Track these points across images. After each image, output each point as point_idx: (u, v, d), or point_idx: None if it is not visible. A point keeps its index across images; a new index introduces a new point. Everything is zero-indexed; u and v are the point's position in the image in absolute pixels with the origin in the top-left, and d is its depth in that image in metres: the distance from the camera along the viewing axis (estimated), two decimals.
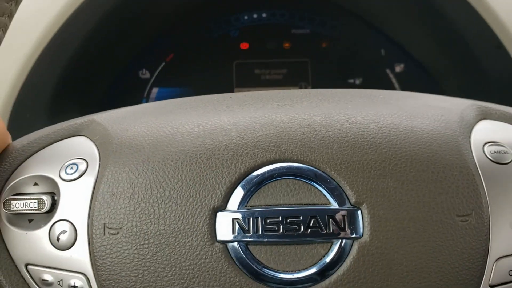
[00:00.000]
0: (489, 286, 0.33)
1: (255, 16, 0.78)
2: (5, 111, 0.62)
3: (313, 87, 0.77)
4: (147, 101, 0.77)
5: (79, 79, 0.69)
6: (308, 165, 0.32)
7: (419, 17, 0.69)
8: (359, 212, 0.32)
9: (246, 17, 0.78)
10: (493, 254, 0.33)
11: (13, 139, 0.62)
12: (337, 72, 0.77)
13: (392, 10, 0.71)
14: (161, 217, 0.32)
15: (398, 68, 0.76)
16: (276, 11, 0.78)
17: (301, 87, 0.77)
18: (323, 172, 0.32)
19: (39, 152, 0.37)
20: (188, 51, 0.77)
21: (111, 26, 0.68)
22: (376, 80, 0.76)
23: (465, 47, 0.65)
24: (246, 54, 0.77)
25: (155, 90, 0.77)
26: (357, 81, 0.77)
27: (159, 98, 0.77)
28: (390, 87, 0.76)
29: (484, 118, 0.38)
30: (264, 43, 0.78)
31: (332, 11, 0.77)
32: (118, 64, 0.74)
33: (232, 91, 0.77)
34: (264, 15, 0.78)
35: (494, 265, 0.33)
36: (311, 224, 0.31)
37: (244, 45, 0.78)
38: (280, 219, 0.31)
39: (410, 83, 0.75)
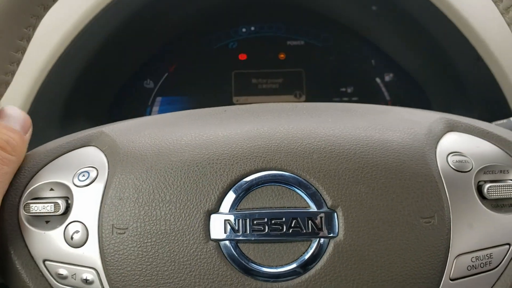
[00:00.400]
0: (450, 279, 0.35)
1: (252, 28, 0.79)
2: None
3: (307, 96, 0.78)
4: (151, 109, 0.78)
5: (88, 89, 0.70)
6: (291, 173, 0.35)
7: (405, 32, 0.70)
8: (335, 214, 0.34)
9: (244, 30, 0.79)
10: (453, 252, 0.35)
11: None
12: (330, 81, 0.79)
13: (380, 25, 0.73)
14: (162, 218, 0.34)
15: (387, 77, 0.78)
16: (272, 24, 0.80)
17: (295, 96, 0.78)
18: (304, 179, 0.35)
19: (54, 161, 0.39)
20: (189, 62, 0.79)
21: (118, 41, 0.70)
22: (366, 88, 0.78)
23: (447, 59, 0.67)
24: (244, 65, 0.79)
25: (159, 99, 0.78)
26: (349, 90, 0.78)
27: (162, 106, 0.78)
28: (380, 95, 0.77)
29: (451, 130, 0.40)
30: (261, 54, 0.79)
31: (325, 24, 0.78)
32: (124, 75, 0.76)
33: (231, 99, 0.78)
34: (261, 27, 0.80)
35: (454, 261, 0.35)
36: (292, 225, 0.34)
37: (242, 56, 0.79)
38: (266, 220, 0.34)
39: (399, 91, 0.77)
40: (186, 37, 0.79)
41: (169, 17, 0.74)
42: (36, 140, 0.65)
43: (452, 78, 0.69)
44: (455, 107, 0.69)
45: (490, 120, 0.51)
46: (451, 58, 0.67)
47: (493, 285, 0.36)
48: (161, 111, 0.79)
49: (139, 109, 0.78)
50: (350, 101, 0.78)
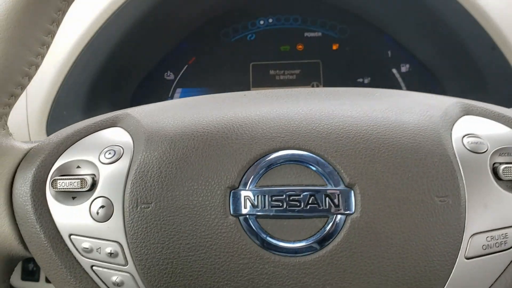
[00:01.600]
0: (465, 258, 0.35)
1: (270, 21, 0.80)
2: (45, 109, 0.66)
3: (324, 86, 0.78)
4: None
5: (110, 81, 0.72)
6: (309, 152, 0.36)
7: (420, 22, 0.70)
8: (352, 192, 0.35)
9: (262, 22, 0.80)
10: (468, 231, 0.35)
11: (50, 132, 0.67)
12: (347, 72, 0.79)
13: (396, 16, 0.73)
14: (184, 194, 0.35)
15: (403, 68, 0.78)
16: (289, 16, 0.80)
17: (313, 86, 0.79)
18: (321, 158, 0.35)
19: (81, 140, 0.41)
20: (208, 55, 0.80)
21: (140, 34, 0.71)
22: (383, 79, 0.78)
23: (463, 49, 0.67)
24: (261, 56, 0.80)
25: (178, 90, 0.79)
26: (366, 81, 0.79)
27: (182, 97, 0.79)
28: (396, 85, 0.78)
29: (467, 114, 0.41)
30: (278, 46, 0.80)
31: (342, 16, 0.79)
32: (145, 67, 0.77)
33: (249, 90, 0.79)
34: (278, 20, 0.80)
35: (470, 240, 0.35)
36: (310, 202, 0.35)
37: (260, 48, 0.80)
38: (284, 196, 0.35)
39: (415, 82, 0.77)
40: (204, 30, 0.80)
41: (189, 11, 0.75)
42: (60, 127, 0.67)
43: (468, 68, 0.69)
44: (472, 97, 0.68)
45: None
46: (466, 48, 0.66)
47: (509, 264, 0.37)
48: None
49: (160, 100, 0.78)
50: None
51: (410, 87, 0.78)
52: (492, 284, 0.37)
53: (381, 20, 0.77)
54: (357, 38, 0.80)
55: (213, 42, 0.80)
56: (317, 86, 0.79)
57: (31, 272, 0.65)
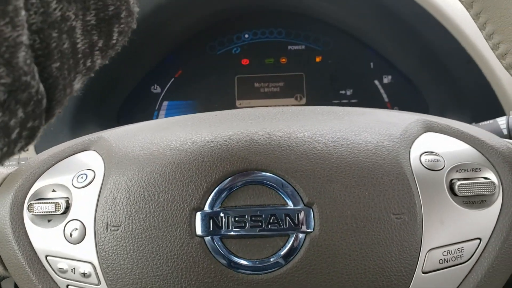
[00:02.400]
0: (423, 272, 0.36)
1: (254, 34, 0.81)
2: None
3: (307, 98, 0.80)
4: (158, 113, 0.81)
5: (97, 94, 0.73)
6: (270, 173, 0.37)
7: (400, 36, 0.71)
8: (311, 211, 0.36)
9: (246, 36, 0.81)
10: (425, 246, 0.36)
11: (38, 148, 0.69)
12: (329, 84, 0.80)
13: (376, 30, 0.74)
14: (151, 216, 0.36)
15: (386, 80, 0.79)
16: (273, 30, 0.81)
17: (296, 99, 0.80)
18: (282, 178, 0.37)
19: (57, 164, 0.42)
20: (194, 68, 0.81)
21: (126, 48, 0.72)
22: (365, 91, 0.79)
23: (440, 62, 0.68)
24: (246, 69, 0.81)
25: (165, 103, 0.81)
26: (348, 92, 0.80)
27: (169, 110, 0.81)
28: (379, 97, 0.79)
29: (428, 131, 0.42)
30: (263, 59, 0.81)
31: (325, 29, 0.80)
32: (132, 81, 0.78)
33: (234, 102, 0.80)
34: (262, 33, 0.82)
35: (427, 255, 0.36)
36: (271, 221, 0.36)
37: (245, 61, 0.81)
38: (246, 217, 0.36)
39: (397, 93, 0.78)
40: (190, 44, 0.81)
41: (175, 25, 0.76)
42: (48, 143, 0.68)
43: (447, 80, 0.70)
44: (450, 108, 0.70)
45: (483, 120, 0.52)
46: (444, 61, 0.68)
47: (465, 277, 0.38)
48: (167, 115, 0.81)
49: (147, 113, 0.81)
50: (349, 103, 0.80)
51: (392, 98, 0.79)
52: None
53: (363, 33, 0.78)
54: (340, 51, 0.81)
55: (199, 55, 0.82)
56: (300, 98, 0.80)
57: None
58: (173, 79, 0.81)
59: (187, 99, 0.81)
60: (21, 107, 0.22)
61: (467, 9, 0.39)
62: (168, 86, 0.81)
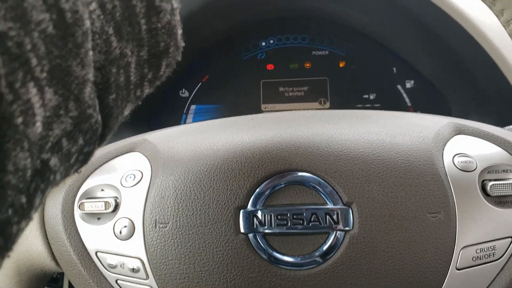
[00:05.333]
0: (457, 269, 0.38)
1: (279, 40, 0.83)
2: None
3: (331, 102, 0.81)
4: (186, 116, 0.82)
5: None
6: (310, 173, 0.39)
7: (422, 41, 0.72)
8: (350, 210, 0.37)
9: (271, 41, 0.83)
10: (459, 244, 0.38)
11: None
12: (353, 89, 0.81)
13: (399, 35, 0.75)
14: (198, 214, 0.38)
15: (408, 84, 0.80)
16: (298, 36, 0.83)
17: (320, 103, 0.81)
18: (322, 178, 0.38)
19: (104, 165, 0.44)
20: (221, 73, 0.83)
21: None
22: (388, 95, 0.80)
23: (464, 67, 0.69)
24: (271, 74, 0.82)
25: (193, 107, 0.82)
26: (371, 97, 0.81)
27: (196, 113, 0.82)
28: (401, 101, 0.79)
29: (459, 133, 0.43)
30: (287, 64, 0.83)
31: (348, 34, 0.81)
32: (161, 85, 0.81)
33: (259, 106, 0.82)
34: (287, 39, 0.83)
35: (460, 252, 0.38)
36: (312, 219, 0.37)
37: (270, 66, 0.83)
38: (288, 215, 0.38)
39: (420, 97, 0.79)
40: (217, 50, 0.82)
41: (202, 32, 0.78)
42: None
43: (470, 85, 0.70)
44: (473, 113, 0.71)
45: (506, 125, 0.53)
46: (467, 66, 0.68)
47: (497, 274, 0.39)
48: (195, 119, 0.82)
49: (175, 116, 0.82)
50: (372, 107, 0.81)
51: (414, 102, 0.80)
52: None
53: (386, 38, 0.79)
54: (363, 56, 0.82)
55: (225, 60, 0.83)
56: (324, 102, 0.82)
57: (54, 279, 0.68)
58: (200, 83, 0.83)
59: (214, 103, 0.83)
60: (82, 135, 0.23)
61: (489, 7, 0.40)
62: (195, 90, 0.83)
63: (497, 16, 0.40)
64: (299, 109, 0.81)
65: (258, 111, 0.82)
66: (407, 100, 0.80)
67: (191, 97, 0.83)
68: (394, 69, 0.81)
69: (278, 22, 0.82)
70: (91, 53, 0.23)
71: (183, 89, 0.83)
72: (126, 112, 0.29)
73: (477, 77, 0.68)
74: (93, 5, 0.24)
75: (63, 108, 0.21)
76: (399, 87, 0.81)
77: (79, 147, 0.24)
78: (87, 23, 0.22)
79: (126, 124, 0.75)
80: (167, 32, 0.29)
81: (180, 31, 0.31)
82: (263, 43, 0.84)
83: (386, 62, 0.81)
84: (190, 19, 0.72)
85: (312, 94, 0.82)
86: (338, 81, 0.82)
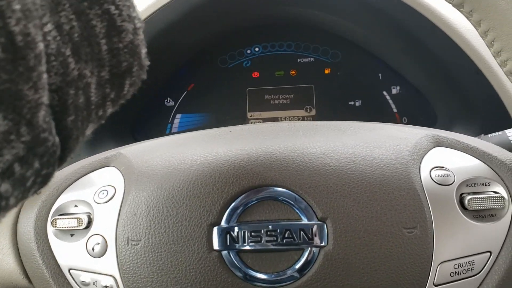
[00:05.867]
0: (434, 285, 0.37)
1: (265, 48, 0.83)
2: None
3: (317, 109, 0.81)
4: (171, 126, 0.82)
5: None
6: (284, 189, 0.38)
7: (408, 48, 0.72)
8: (325, 225, 0.37)
9: (257, 49, 0.83)
10: (436, 259, 0.37)
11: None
12: (339, 95, 0.81)
13: (384, 42, 0.75)
14: (170, 231, 0.38)
15: (394, 90, 0.80)
16: (283, 43, 0.82)
17: (306, 110, 0.81)
18: (296, 194, 0.38)
19: (78, 180, 0.43)
20: (206, 81, 0.82)
21: None
22: (374, 101, 0.80)
23: (448, 73, 0.68)
24: (257, 82, 0.82)
25: (178, 116, 0.82)
26: (357, 103, 0.80)
27: (182, 122, 0.82)
28: (387, 107, 0.79)
29: (437, 146, 0.43)
30: (273, 72, 0.82)
31: (333, 41, 0.81)
32: (146, 94, 0.80)
33: (245, 114, 0.81)
34: (273, 46, 0.83)
35: (438, 268, 0.37)
36: (286, 235, 0.37)
37: (256, 74, 0.82)
38: (262, 231, 0.37)
39: (405, 104, 0.79)
40: (202, 58, 0.82)
41: (185, 41, 0.77)
42: None
43: (455, 91, 0.70)
44: (459, 118, 0.70)
45: (491, 131, 0.53)
46: (452, 72, 0.68)
47: None
48: (180, 127, 0.82)
49: (160, 126, 0.82)
50: (358, 114, 0.80)
51: (400, 109, 0.80)
52: None
53: (371, 45, 0.79)
54: (349, 62, 0.82)
55: (210, 69, 0.83)
56: (310, 109, 0.81)
57: None
58: (185, 92, 0.83)
59: (200, 112, 0.82)
60: (38, 159, 0.23)
61: (475, 27, 0.40)
62: (181, 99, 0.83)
63: (482, 37, 0.40)
64: (284, 117, 0.81)
65: (244, 119, 0.82)
66: (393, 106, 0.80)
67: (176, 106, 0.83)
68: (380, 75, 0.81)
69: (264, 30, 0.82)
70: (45, 75, 0.22)
71: (168, 98, 0.83)
72: (88, 131, 0.29)
73: (462, 83, 0.68)
74: (49, 26, 0.23)
75: (14, 133, 0.20)
76: (384, 93, 0.81)
77: (34, 170, 0.23)
78: (40, 45, 0.21)
79: (109, 133, 0.76)
80: (129, 52, 0.29)
81: (144, 50, 0.30)
82: (249, 51, 0.84)
83: (372, 68, 0.81)
84: (173, 28, 0.72)
85: (298, 101, 0.81)
86: (324, 88, 0.82)
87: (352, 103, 0.81)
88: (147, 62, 0.31)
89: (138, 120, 0.81)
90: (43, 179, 0.25)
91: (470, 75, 0.64)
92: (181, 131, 0.83)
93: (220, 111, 0.82)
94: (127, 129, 0.80)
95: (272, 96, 0.82)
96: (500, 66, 0.39)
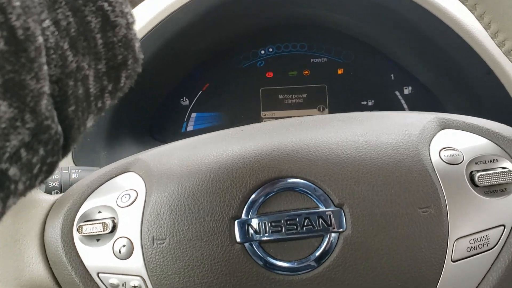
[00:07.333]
0: (452, 261, 0.38)
1: (278, 48, 0.83)
2: None
3: (330, 109, 0.81)
4: (187, 124, 0.83)
5: (131, 107, 0.76)
6: (300, 179, 0.39)
7: (419, 48, 0.72)
8: (342, 211, 0.38)
9: (270, 49, 0.83)
10: (452, 236, 0.38)
11: (76, 158, 0.71)
12: (351, 95, 0.81)
13: (396, 42, 0.75)
14: (193, 228, 0.39)
15: (406, 91, 0.80)
16: (296, 43, 0.83)
17: (319, 109, 0.82)
18: (312, 183, 0.39)
19: (100, 187, 0.44)
20: (221, 81, 0.83)
21: (157, 64, 0.74)
22: (386, 101, 0.80)
23: (460, 73, 0.69)
24: (271, 82, 0.83)
25: (193, 115, 0.83)
26: (370, 103, 0.81)
27: (197, 121, 0.83)
28: (399, 107, 0.80)
29: (444, 128, 0.44)
30: (286, 72, 0.83)
31: (346, 41, 0.81)
32: (163, 94, 0.81)
33: (259, 114, 0.82)
34: (286, 47, 0.84)
35: (454, 244, 0.38)
36: (305, 224, 0.38)
37: (269, 74, 0.83)
38: (282, 221, 0.38)
39: (418, 103, 0.79)
40: (217, 59, 0.83)
41: (201, 42, 0.78)
42: (86, 154, 0.70)
43: (466, 91, 0.70)
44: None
45: None
46: (463, 72, 0.68)
47: (493, 263, 0.39)
48: (196, 126, 0.83)
49: (176, 124, 0.83)
50: None
51: (412, 108, 0.80)
52: (479, 283, 0.39)
53: (384, 45, 0.79)
54: (361, 63, 0.82)
55: (225, 69, 0.84)
56: (323, 109, 0.82)
57: None
58: (200, 91, 0.84)
59: (214, 111, 0.84)
60: (42, 146, 0.24)
61: (471, 11, 0.41)
62: (196, 98, 0.84)
63: (479, 20, 0.41)
64: (298, 116, 0.82)
65: (258, 118, 0.83)
66: (405, 106, 0.81)
67: (191, 105, 0.84)
68: (392, 75, 0.81)
69: (277, 31, 0.83)
70: (45, 67, 0.24)
71: (184, 97, 0.84)
72: (90, 123, 0.30)
73: (474, 83, 0.68)
74: (47, 22, 0.24)
75: (19, 120, 0.22)
76: (397, 93, 0.81)
77: (40, 157, 0.24)
78: (40, 39, 0.23)
79: (129, 130, 0.77)
80: (124, 45, 0.30)
81: (137, 44, 0.32)
82: (262, 51, 0.85)
83: (384, 69, 0.81)
84: (190, 29, 0.73)
85: (311, 101, 0.82)
86: (336, 88, 0.82)
87: (364, 102, 0.82)
88: (141, 56, 0.32)
89: (156, 118, 0.83)
90: (49, 168, 0.26)
91: (482, 75, 0.64)
92: (196, 129, 0.84)
93: (234, 110, 0.83)
94: (145, 127, 0.81)
95: (286, 95, 0.83)
96: (498, 46, 0.40)
